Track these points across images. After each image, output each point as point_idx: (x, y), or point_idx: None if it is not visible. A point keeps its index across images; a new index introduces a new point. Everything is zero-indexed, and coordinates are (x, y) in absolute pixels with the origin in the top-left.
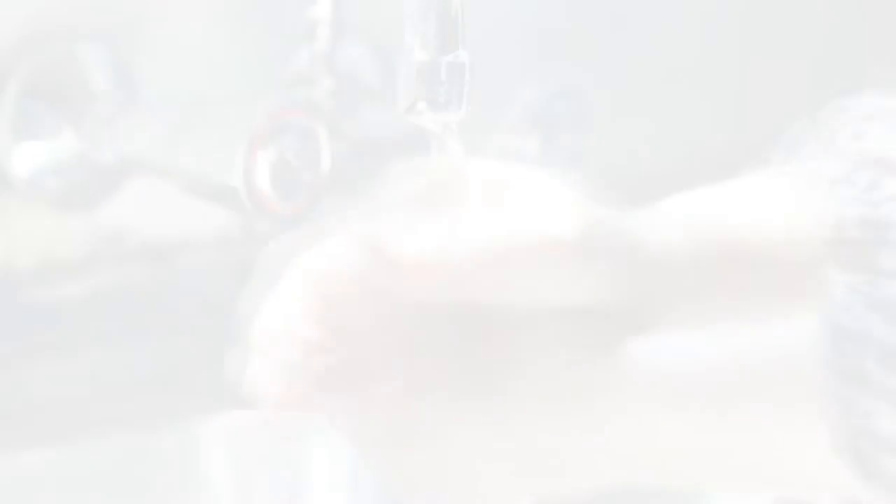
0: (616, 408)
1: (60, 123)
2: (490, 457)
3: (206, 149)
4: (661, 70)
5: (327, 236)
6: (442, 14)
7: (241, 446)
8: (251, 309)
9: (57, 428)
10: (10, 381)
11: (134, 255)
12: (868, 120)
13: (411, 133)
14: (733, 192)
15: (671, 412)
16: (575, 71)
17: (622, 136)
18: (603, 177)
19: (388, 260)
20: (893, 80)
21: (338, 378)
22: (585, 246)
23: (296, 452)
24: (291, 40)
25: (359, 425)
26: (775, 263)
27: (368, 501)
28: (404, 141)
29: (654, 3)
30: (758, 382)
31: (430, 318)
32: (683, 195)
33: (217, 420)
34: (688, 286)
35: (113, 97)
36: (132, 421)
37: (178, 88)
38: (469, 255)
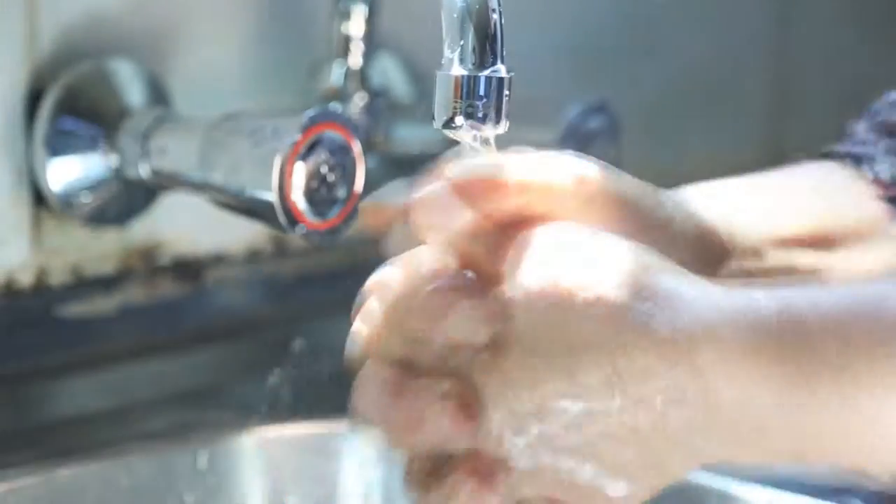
0: None
1: (95, 139)
2: None
3: (240, 164)
4: (690, 86)
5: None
6: (480, 28)
7: (274, 460)
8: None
9: (89, 442)
10: (43, 395)
11: (166, 269)
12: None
13: (446, 148)
14: None
15: None
16: (609, 87)
17: (652, 149)
18: None
19: None
20: None
21: None
22: None
23: (330, 467)
24: (325, 55)
25: None
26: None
27: None
28: (439, 156)
29: (683, 25)
30: None
31: None
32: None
33: (250, 434)
34: None
35: (147, 113)
36: (165, 434)
37: (211, 104)
38: None
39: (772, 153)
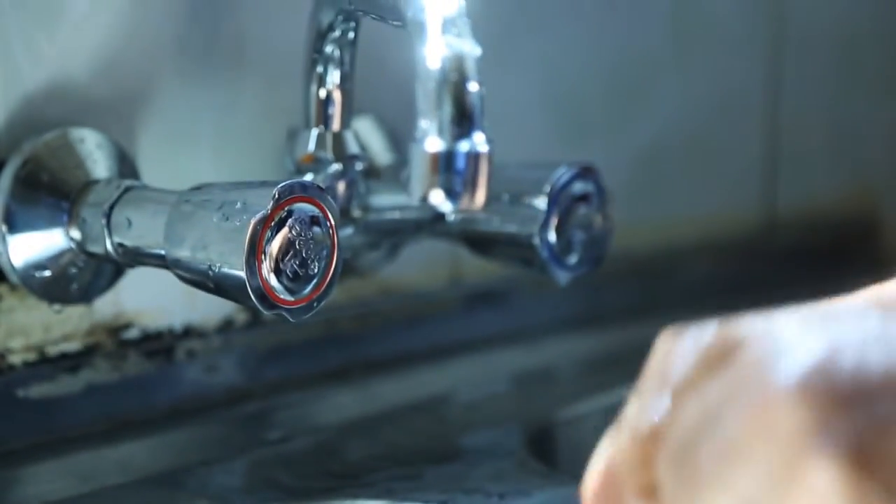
0: None
1: (57, 213)
2: None
3: (208, 239)
4: (680, 145)
5: None
6: (458, 99)
7: None
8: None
9: None
10: (6, 480)
11: (135, 344)
12: None
13: (424, 215)
14: None
15: None
16: (596, 147)
17: (638, 213)
18: (618, 251)
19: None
20: None
21: None
22: None
23: None
24: (301, 122)
25: None
26: None
27: None
28: (416, 224)
29: (673, 82)
30: None
31: None
32: None
33: None
34: None
35: (111, 185)
36: None
37: (179, 173)
38: None
39: (764, 213)
